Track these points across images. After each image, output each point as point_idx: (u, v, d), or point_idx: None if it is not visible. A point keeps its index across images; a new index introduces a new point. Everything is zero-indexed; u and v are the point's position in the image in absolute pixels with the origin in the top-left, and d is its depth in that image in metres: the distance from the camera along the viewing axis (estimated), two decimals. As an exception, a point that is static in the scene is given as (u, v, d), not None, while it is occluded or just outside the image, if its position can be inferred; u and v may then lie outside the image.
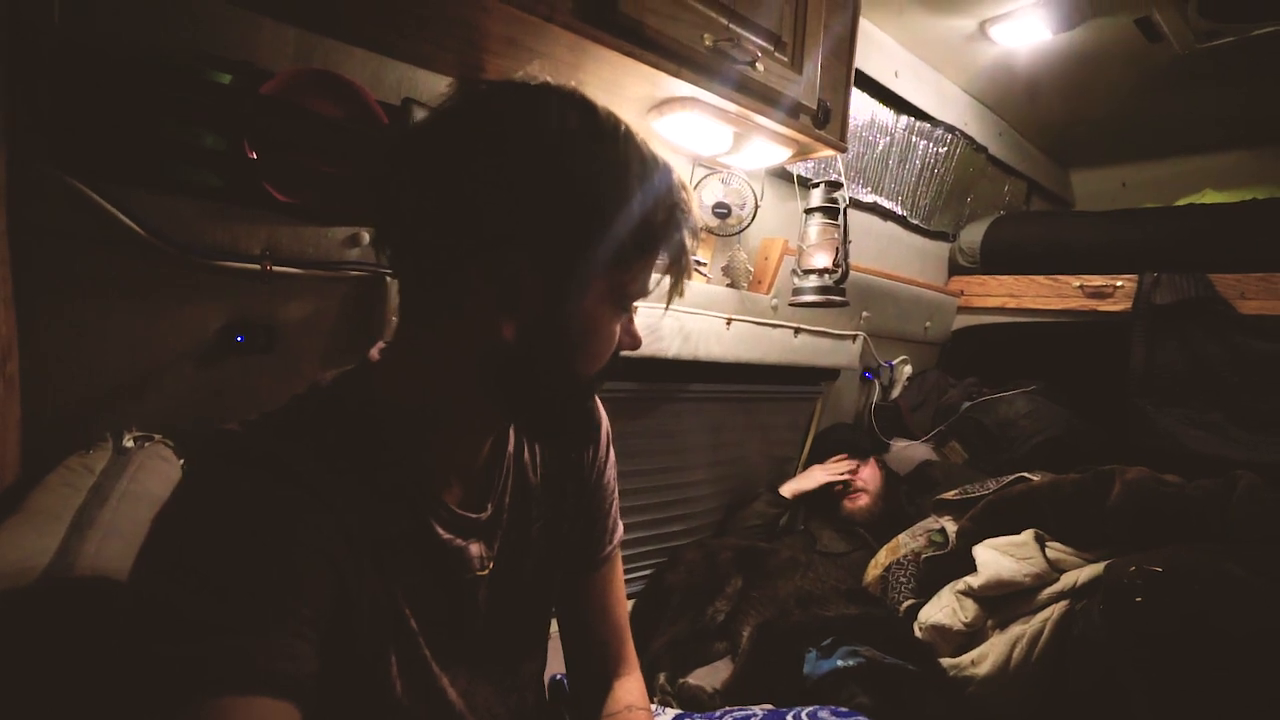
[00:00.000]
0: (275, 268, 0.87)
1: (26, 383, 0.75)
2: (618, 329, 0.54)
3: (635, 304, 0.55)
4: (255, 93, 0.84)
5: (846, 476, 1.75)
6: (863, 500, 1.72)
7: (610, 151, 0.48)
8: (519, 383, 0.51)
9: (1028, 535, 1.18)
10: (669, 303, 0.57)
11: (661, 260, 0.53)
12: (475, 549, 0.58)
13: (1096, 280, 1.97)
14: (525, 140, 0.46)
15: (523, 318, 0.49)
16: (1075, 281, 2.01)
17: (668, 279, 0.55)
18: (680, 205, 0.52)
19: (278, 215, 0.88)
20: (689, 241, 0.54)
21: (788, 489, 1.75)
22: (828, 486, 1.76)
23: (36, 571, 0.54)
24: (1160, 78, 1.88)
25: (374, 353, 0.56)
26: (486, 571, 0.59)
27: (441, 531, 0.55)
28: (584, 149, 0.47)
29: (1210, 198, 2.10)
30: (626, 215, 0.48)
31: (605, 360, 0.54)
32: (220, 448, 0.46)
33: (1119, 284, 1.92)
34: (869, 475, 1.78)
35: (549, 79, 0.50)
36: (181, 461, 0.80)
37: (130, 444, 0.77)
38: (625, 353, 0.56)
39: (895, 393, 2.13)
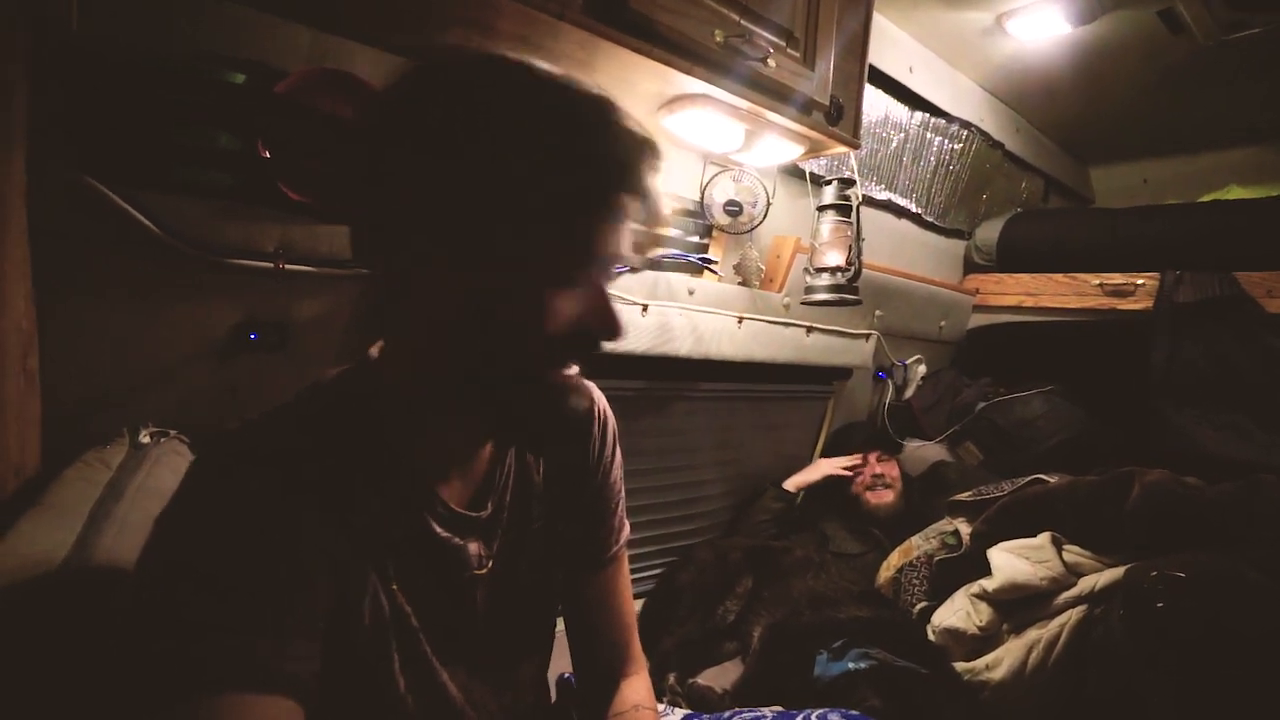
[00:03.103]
0: (288, 266, 0.88)
1: (46, 379, 0.76)
2: (508, 300, 0.45)
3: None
4: (269, 92, 0.85)
5: (851, 472, 1.74)
6: (888, 497, 1.71)
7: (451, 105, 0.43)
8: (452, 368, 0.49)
9: (1044, 538, 1.16)
10: (583, 258, 0.46)
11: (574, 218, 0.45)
12: (474, 548, 0.57)
13: (1116, 278, 1.93)
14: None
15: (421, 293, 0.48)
16: (1094, 280, 1.97)
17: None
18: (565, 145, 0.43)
19: (291, 214, 0.88)
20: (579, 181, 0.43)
21: (791, 482, 1.75)
22: (840, 484, 1.75)
23: (54, 564, 0.55)
24: (1183, 71, 1.84)
25: (374, 350, 0.56)
26: (485, 571, 0.58)
27: (439, 529, 0.54)
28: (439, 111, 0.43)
29: (1236, 194, 2.05)
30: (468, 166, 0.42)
31: (529, 334, 0.46)
32: (222, 447, 0.47)
33: (1140, 282, 1.88)
34: (896, 473, 1.77)
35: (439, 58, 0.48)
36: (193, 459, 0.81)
37: (146, 439, 0.79)
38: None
39: (909, 393, 2.11)
